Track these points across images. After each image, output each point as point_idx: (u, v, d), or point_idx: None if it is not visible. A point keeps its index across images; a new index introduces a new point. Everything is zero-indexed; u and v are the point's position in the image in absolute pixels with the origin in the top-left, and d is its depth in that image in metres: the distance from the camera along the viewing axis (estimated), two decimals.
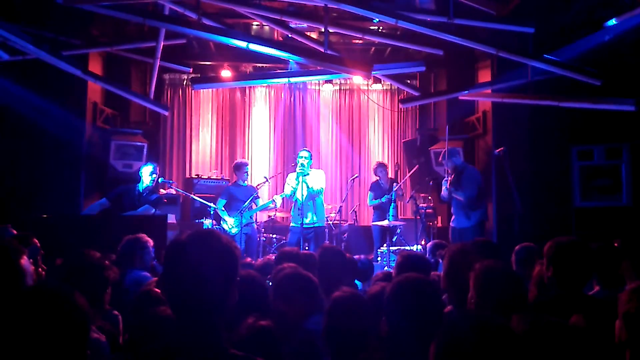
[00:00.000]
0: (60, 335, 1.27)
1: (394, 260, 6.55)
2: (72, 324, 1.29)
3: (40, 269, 3.44)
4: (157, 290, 2.62)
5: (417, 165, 8.32)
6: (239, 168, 7.46)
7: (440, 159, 6.91)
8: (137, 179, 6.53)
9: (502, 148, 6.53)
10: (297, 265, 2.87)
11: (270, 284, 2.81)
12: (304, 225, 6.75)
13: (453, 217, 6.67)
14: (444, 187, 6.58)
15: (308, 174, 6.91)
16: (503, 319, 1.86)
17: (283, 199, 7.48)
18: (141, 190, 6.34)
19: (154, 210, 6.26)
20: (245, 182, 7.40)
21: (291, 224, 7.18)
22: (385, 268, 6.18)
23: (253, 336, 1.98)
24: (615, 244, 3.44)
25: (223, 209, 7.19)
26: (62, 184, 7.12)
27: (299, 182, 6.84)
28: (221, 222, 7.24)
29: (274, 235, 8.05)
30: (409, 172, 8.85)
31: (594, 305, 2.59)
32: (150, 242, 4.10)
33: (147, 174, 6.35)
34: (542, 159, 7.17)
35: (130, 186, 6.44)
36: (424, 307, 2.11)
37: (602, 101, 5.97)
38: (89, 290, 1.51)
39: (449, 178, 6.53)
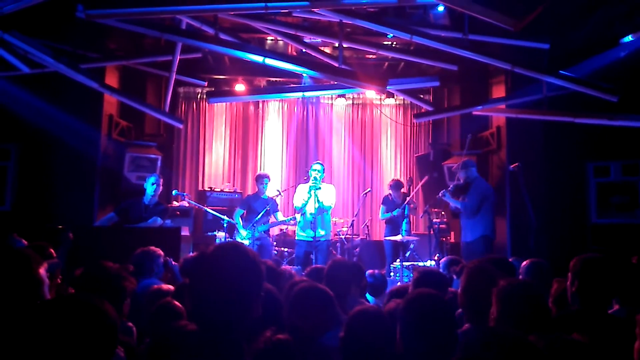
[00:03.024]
0: (91, 346, 1.27)
1: (407, 275, 6.51)
2: (104, 334, 1.29)
3: (58, 280, 3.46)
4: (175, 302, 2.62)
5: (427, 177, 8.28)
6: (258, 180, 7.51)
7: (454, 168, 6.93)
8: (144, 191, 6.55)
9: (516, 164, 6.50)
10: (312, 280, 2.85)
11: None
12: (312, 238, 6.75)
13: (462, 233, 6.72)
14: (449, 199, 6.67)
15: (320, 188, 6.92)
16: (526, 337, 1.84)
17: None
18: (147, 203, 6.36)
19: (161, 221, 6.28)
20: (265, 194, 7.42)
21: (297, 237, 7.18)
22: (399, 283, 6.14)
23: (271, 350, 1.97)
24: (634, 261, 3.39)
25: (240, 219, 7.21)
26: (76, 195, 7.17)
27: (310, 195, 6.84)
28: (234, 233, 7.25)
29: (286, 249, 8.03)
30: (421, 187, 8.82)
31: (614, 324, 2.55)
32: (161, 254, 4.20)
33: (149, 185, 6.38)
34: (557, 175, 7.12)
35: (135, 199, 6.47)
36: (436, 323, 2.09)
37: (618, 117, 5.93)
38: (109, 301, 1.51)
39: (450, 186, 6.58)
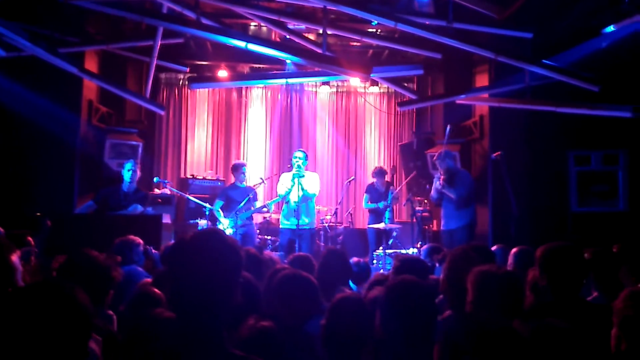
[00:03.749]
0: (63, 333, 1.24)
1: (389, 263, 6.54)
2: (74, 321, 1.26)
3: (34, 267, 3.40)
4: (154, 290, 2.59)
5: (414, 172, 8.31)
6: (237, 169, 7.42)
7: (435, 158, 6.91)
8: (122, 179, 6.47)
9: (499, 152, 6.55)
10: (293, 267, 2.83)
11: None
12: (296, 226, 6.74)
13: (442, 220, 6.73)
14: (434, 186, 6.64)
15: (303, 176, 6.89)
16: (506, 323, 1.85)
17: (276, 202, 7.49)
18: (126, 190, 6.28)
19: (142, 208, 6.21)
20: (244, 182, 7.37)
21: (281, 225, 7.16)
22: (381, 271, 6.16)
23: (256, 337, 1.95)
24: (614, 249, 3.43)
25: (220, 210, 7.15)
26: (56, 182, 7.04)
27: (294, 183, 6.82)
28: (216, 223, 7.20)
29: (269, 237, 8.02)
30: (404, 175, 8.85)
31: (592, 311, 2.58)
32: (140, 242, 4.22)
33: (125, 172, 6.30)
34: (539, 164, 7.18)
35: (114, 187, 6.39)
36: (416, 309, 2.10)
37: (599, 107, 5.98)
38: (93, 289, 1.49)
39: (441, 177, 6.56)
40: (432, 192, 6.74)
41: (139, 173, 6.42)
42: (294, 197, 6.85)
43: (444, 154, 6.68)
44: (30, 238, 3.85)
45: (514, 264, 3.80)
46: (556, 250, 2.65)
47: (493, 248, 4.47)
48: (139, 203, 6.22)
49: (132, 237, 4.18)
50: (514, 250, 3.93)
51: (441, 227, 6.77)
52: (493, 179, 7.43)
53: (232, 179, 7.59)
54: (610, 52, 6.18)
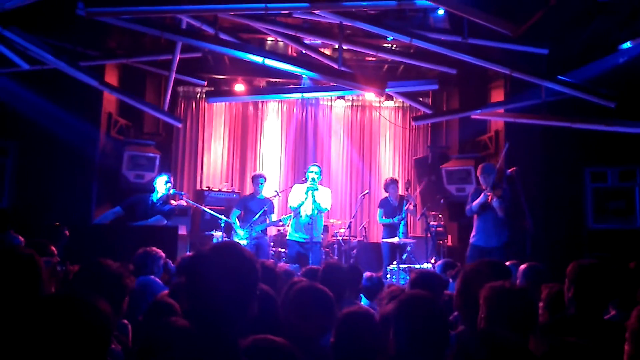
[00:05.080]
0: (83, 342, 1.27)
1: (403, 278, 6.52)
2: (96, 331, 1.30)
3: (57, 276, 3.46)
4: (170, 300, 2.62)
5: (424, 182, 8.27)
6: (254, 180, 7.52)
7: (479, 172, 6.58)
8: (149, 189, 6.55)
9: (514, 168, 6.49)
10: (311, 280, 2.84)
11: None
12: (305, 240, 6.76)
13: (477, 235, 6.42)
14: (479, 201, 6.31)
15: (317, 189, 6.94)
16: (518, 338, 1.85)
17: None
18: (155, 201, 6.36)
19: (165, 221, 6.28)
20: (261, 194, 7.43)
21: (289, 237, 7.19)
22: (394, 285, 6.14)
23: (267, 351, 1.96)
24: (632, 266, 3.40)
25: (237, 220, 7.22)
26: (74, 193, 7.17)
27: (307, 196, 6.86)
28: (232, 233, 7.26)
29: (283, 249, 8.04)
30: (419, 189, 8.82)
31: (609, 328, 2.56)
32: (162, 255, 4.26)
33: (161, 184, 6.37)
34: (555, 180, 7.13)
35: (144, 196, 6.47)
36: (428, 324, 2.09)
37: (615, 123, 5.95)
38: (108, 298, 1.51)
39: (491, 193, 6.27)
40: (473, 206, 6.40)
41: (171, 187, 6.48)
42: (306, 210, 6.89)
43: (490, 168, 6.45)
44: (53, 248, 3.91)
45: (523, 280, 3.78)
46: (588, 266, 2.65)
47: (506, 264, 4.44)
48: (163, 216, 6.28)
49: (155, 249, 4.22)
50: (522, 266, 3.90)
51: (474, 242, 6.45)
52: (509, 195, 7.38)
53: (251, 190, 7.66)
54: (627, 68, 6.15)
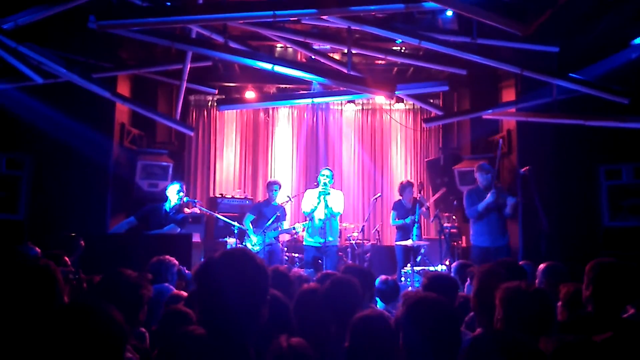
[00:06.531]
0: (96, 351, 1.29)
1: (418, 280, 6.49)
2: (109, 340, 1.31)
3: (73, 286, 3.51)
4: (184, 308, 2.64)
5: (444, 189, 8.27)
6: (268, 187, 7.60)
7: (476, 172, 6.71)
8: (163, 198, 6.61)
9: (527, 167, 6.45)
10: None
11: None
12: (321, 244, 6.77)
13: (483, 236, 6.45)
14: (487, 201, 6.35)
15: (329, 194, 6.96)
16: (531, 340, 1.84)
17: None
18: (168, 210, 6.41)
19: (179, 229, 6.32)
20: (275, 200, 7.47)
21: (305, 242, 7.22)
22: (409, 288, 6.12)
23: (286, 355, 1.96)
24: None
25: (251, 225, 7.27)
26: (89, 204, 7.24)
27: (320, 200, 6.88)
28: (245, 239, 7.30)
29: (296, 255, 8.06)
30: (432, 191, 8.79)
31: (626, 327, 2.54)
32: (175, 263, 4.34)
33: (174, 193, 6.42)
34: (569, 178, 7.07)
35: (157, 205, 6.52)
36: (437, 327, 2.08)
37: (629, 120, 5.89)
38: (126, 308, 1.53)
39: (495, 190, 6.35)
40: (480, 208, 6.44)
41: (183, 195, 6.53)
42: (319, 215, 6.90)
43: (487, 166, 6.57)
44: (67, 258, 3.96)
45: (543, 280, 3.75)
46: (607, 265, 2.64)
47: (520, 264, 4.41)
48: (177, 224, 6.33)
49: (168, 257, 4.29)
50: (541, 266, 3.87)
51: (477, 243, 6.51)
52: (522, 194, 7.33)
53: (265, 196, 7.70)
54: (639, 63, 6.09)
